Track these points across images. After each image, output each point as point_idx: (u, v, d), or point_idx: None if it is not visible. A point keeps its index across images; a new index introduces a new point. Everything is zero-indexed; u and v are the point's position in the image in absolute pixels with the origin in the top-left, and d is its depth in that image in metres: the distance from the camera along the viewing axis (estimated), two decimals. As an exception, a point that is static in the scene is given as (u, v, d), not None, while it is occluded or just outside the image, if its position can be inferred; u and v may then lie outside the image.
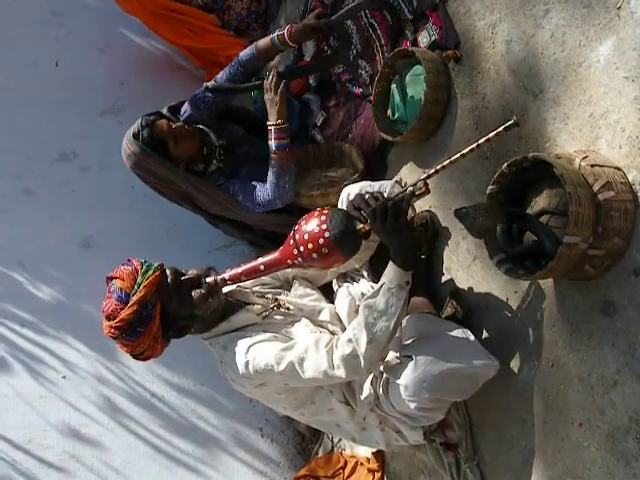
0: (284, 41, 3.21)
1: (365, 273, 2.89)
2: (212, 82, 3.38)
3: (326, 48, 3.70)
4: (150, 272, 2.35)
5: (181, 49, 5.06)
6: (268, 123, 3.22)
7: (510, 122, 2.09)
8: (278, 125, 3.20)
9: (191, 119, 3.41)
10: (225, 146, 3.42)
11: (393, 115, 3.05)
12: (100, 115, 4.94)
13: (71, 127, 4.79)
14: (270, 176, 3.25)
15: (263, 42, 3.29)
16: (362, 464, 3.53)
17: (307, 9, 3.88)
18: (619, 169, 2.05)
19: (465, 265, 2.78)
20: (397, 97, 2.99)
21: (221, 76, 3.40)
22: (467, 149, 2.19)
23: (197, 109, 3.41)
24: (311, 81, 3.75)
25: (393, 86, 3.02)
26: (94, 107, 4.95)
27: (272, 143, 3.21)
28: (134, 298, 2.30)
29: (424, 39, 2.96)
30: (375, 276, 2.81)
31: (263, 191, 3.29)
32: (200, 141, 3.35)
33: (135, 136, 3.22)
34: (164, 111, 3.41)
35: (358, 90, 3.42)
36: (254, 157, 3.50)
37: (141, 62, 5.26)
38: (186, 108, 3.45)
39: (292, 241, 2.33)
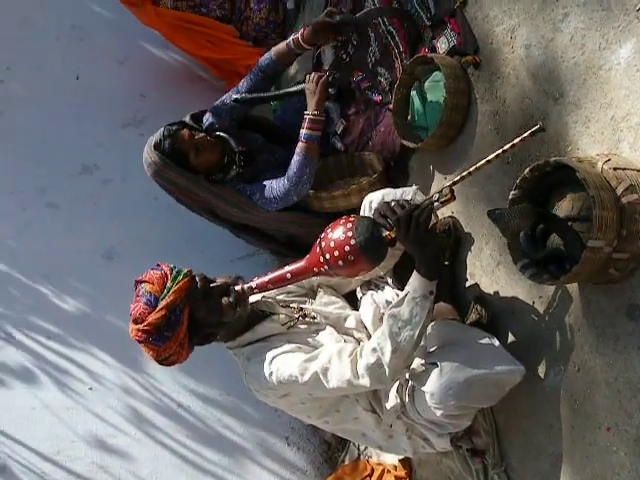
0: (299, 44, 3.26)
1: (389, 280, 2.88)
2: (242, 95, 3.44)
3: (345, 56, 3.70)
4: (180, 277, 2.37)
5: (200, 60, 5.08)
6: (305, 112, 3.25)
7: (536, 127, 2.09)
8: (314, 115, 3.23)
9: (212, 127, 3.44)
10: (245, 152, 3.43)
11: (413, 121, 3.05)
12: (121, 127, 4.97)
13: (93, 140, 4.83)
14: (292, 165, 3.27)
15: (280, 46, 3.35)
16: (389, 472, 3.52)
17: (325, 18, 3.90)
18: (642, 171, 2.04)
19: (489, 270, 2.78)
20: (417, 103, 2.99)
21: (242, 84, 3.43)
22: (492, 155, 2.19)
23: (219, 117, 3.45)
24: (330, 89, 3.75)
25: (413, 92, 3.02)
26: (115, 119, 4.99)
27: (303, 131, 3.25)
28: (163, 302, 2.32)
29: (443, 45, 2.96)
30: (399, 283, 2.81)
31: (280, 184, 3.31)
32: (221, 151, 3.37)
33: (156, 146, 3.25)
34: (187, 119, 3.43)
35: (377, 98, 3.42)
36: (274, 165, 3.51)
37: (161, 74, 5.29)
38: (208, 116, 3.47)
39: (318, 249, 2.34)
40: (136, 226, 4.54)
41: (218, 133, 3.42)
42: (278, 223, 3.57)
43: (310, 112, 3.24)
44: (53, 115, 4.88)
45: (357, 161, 3.55)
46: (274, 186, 3.32)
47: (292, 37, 3.29)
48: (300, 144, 3.25)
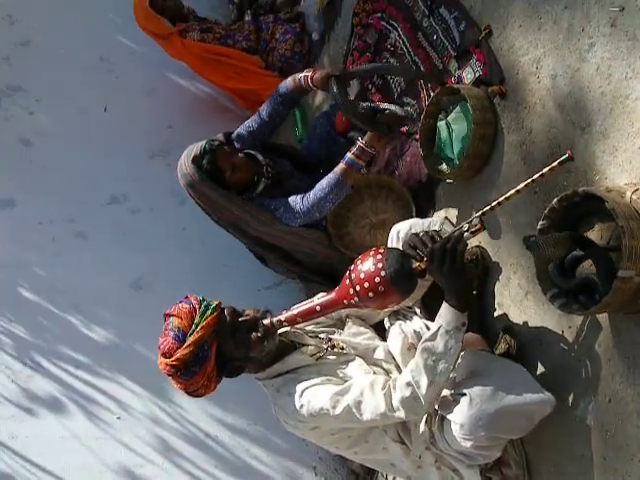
0: (307, 84, 3.25)
1: (417, 311, 2.88)
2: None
3: (370, 86, 3.73)
4: (208, 312, 2.37)
5: (226, 91, 5.15)
6: (360, 139, 3.19)
7: (564, 156, 2.09)
8: (367, 147, 3.16)
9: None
10: (272, 166, 3.45)
11: (439, 152, 3.05)
12: (149, 158, 5.04)
13: (121, 170, 4.89)
14: (324, 180, 3.25)
15: (292, 79, 3.34)
16: (418, 502, 3.49)
17: (350, 49, 3.94)
18: (671, 201, 2.04)
19: (517, 300, 2.77)
20: (443, 134, 2.99)
21: (263, 108, 3.46)
22: (522, 185, 2.18)
23: (242, 140, 3.47)
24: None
25: (439, 123, 3.02)
26: (143, 150, 5.06)
27: (349, 155, 3.20)
28: (191, 339, 2.32)
29: (468, 75, 2.98)
30: (428, 313, 2.80)
31: (305, 198, 3.29)
32: (253, 171, 3.39)
33: (195, 159, 3.26)
34: (221, 137, 3.45)
35: (403, 128, 3.44)
36: (302, 191, 3.53)
37: (187, 105, 5.37)
38: (234, 139, 3.51)
39: (348, 281, 2.34)
40: (164, 256, 4.57)
41: (248, 151, 3.44)
42: (300, 240, 3.56)
43: (365, 142, 3.17)
44: (81, 146, 4.96)
45: (385, 183, 3.56)
46: (298, 200, 3.31)
47: (303, 74, 3.27)
48: (341, 165, 3.22)
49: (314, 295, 2.52)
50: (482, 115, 2.80)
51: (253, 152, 3.45)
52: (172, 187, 4.74)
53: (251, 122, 3.52)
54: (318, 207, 3.27)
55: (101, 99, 5.26)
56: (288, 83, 3.35)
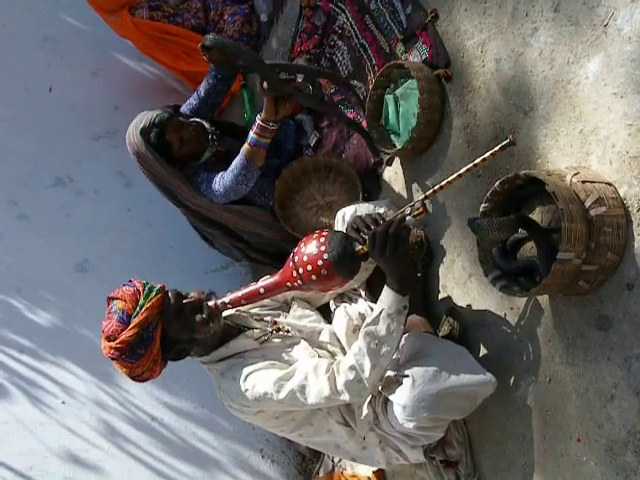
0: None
1: (362, 293, 2.89)
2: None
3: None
4: (152, 294, 2.35)
5: (175, 72, 5.09)
6: (257, 117, 3.14)
7: (506, 141, 2.09)
8: (266, 123, 3.12)
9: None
10: (218, 134, 3.42)
11: (386, 125, 3.06)
12: (94, 139, 4.97)
13: (65, 152, 4.82)
14: (233, 165, 3.24)
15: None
16: (363, 483, 3.53)
17: (298, 31, 3.91)
18: (610, 184, 2.06)
19: (461, 282, 2.80)
20: (391, 108, 2.99)
21: (201, 86, 3.44)
22: (464, 169, 2.19)
23: (184, 117, 3.44)
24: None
25: (388, 96, 3.02)
26: (88, 131, 4.99)
27: (251, 134, 3.16)
28: (135, 320, 2.31)
29: (415, 59, 2.98)
30: (372, 296, 2.82)
31: (221, 179, 3.28)
32: (202, 145, 3.37)
33: (142, 131, 3.22)
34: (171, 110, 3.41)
35: (352, 114, 3.44)
36: None
37: (135, 86, 5.29)
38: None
39: (291, 263, 2.33)
40: (110, 238, 4.52)
41: (194, 119, 3.41)
42: (243, 219, 3.55)
43: (263, 118, 3.11)
44: (25, 127, 4.86)
45: (335, 164, 3.54)
46: (217, 179, 3.30)
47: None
48: (245, 146, 3.19)
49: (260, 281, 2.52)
50: (430, 100, 2.80)
51: (201, 121, 3.42)
52: (118, 169, 4.74)
53: (191, 100, 3.49)
54: (232, 189, 3.27)
55: (46, 79, 5.15)
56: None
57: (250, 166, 3.21)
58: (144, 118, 3.27)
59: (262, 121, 3.12)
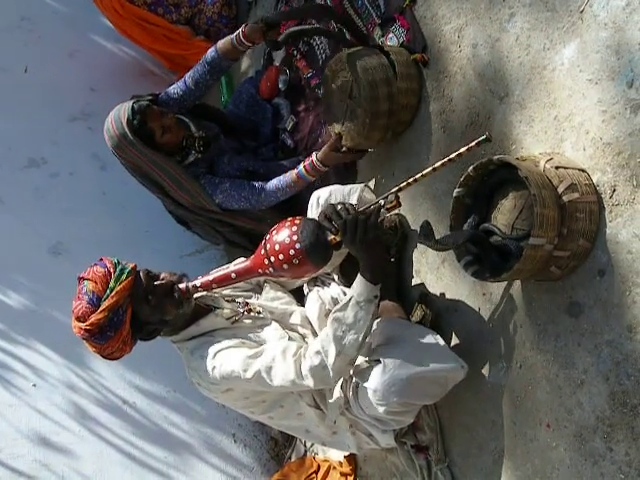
0: (240, 41, 3.17)
1: (336, 277, 2.89)
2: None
3: (296, 53, 3.70)
4: (123, 277, 2.35)
5: (152, 53, 5.04)
6: (315, 154, 3.14)
7: (482, 137, 2.06)
8: (320, 164, 3.13)
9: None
10: (204, 138, 3.40)
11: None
12: (69, 121, 4.92)
13: (40, 133, 4.76)
14: (273, 187, 3.27)
15: (223, 42, 3.24)
16: (335, 468, 3.54)
17: (276, 13, 3.89)
18: (584, 171, 2.06)
19: (434, 268, 2.79)
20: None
21: (189, 75, 3.39)
22: (438, 163, 2.16)
23: (167, 105, 3.39)
24: (280, 85, 3.75)
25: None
26: (63, 113, 4.93)
27: (301, 168, 3.18)
28: (105, 303, 2.30)
29: (392, 42, 2.97)
30: (345, 280, 2.82)
31: (254, 195, 3.31)
32: (183, 134, 3.33)
33: (124, 121, 3.17)
34: (148, 98, 3.36)
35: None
36: (230, 154, 3.50)
37: (111, 67, 5.24)
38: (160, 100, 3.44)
39: (263, 251, 2.31)
40: (84, 221, 4.47)
41: (179, 116, 3.38)
42: (232, 217, 3.57)
43: (319, 159, 3.12)
44: (-1, 107, 4.80)
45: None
46: (244, 194, 3.32)
47: (236, 33, 3.21)
48: (294, 175, 3.21)
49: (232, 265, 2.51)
50: (408, 84, 2.79)
51: (186, 120, 3.39)
52: (93, 151, 4.69)
53: (176, 89, 3.44)
54: (263, 204, 3.33)
55: (22, 59, 5.08)
56: (219, 47, 3.27)
57: (289, 191, 3.26)
58: (122, 108, 3.21)
59: (318, 162, 3.12)
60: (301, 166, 3.19)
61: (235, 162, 3.46)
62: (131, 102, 3.22)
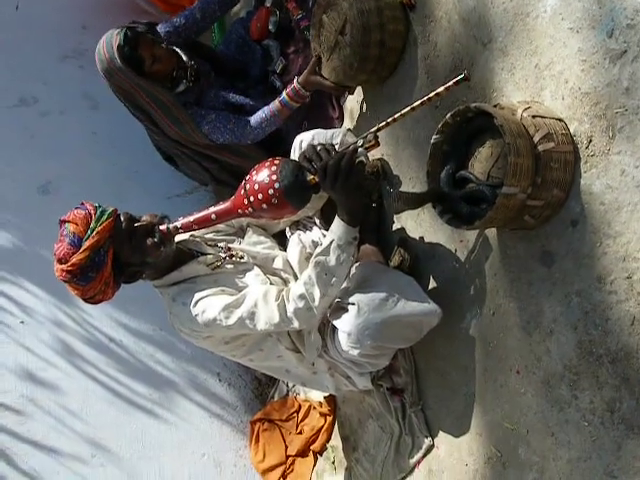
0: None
1: (317, 221, 2.90)
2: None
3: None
4: (104, 218, 2.36)
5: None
6: (296, 79, 3.15)
7: (460, 76, 2.06)
8: (302, 89, 3.13)
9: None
10: (195, 69, 3.39)
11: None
12: (61, 60, 4.86)
13: (31, 72, 4.70)
14: (259, 117, 3.28)
15: None
16: (315, 408, 3.60)
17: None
18: (561, 120, 2.06)
19: (414, 214, 2.80)
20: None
21: (197, 4, 3.38)
22: (417, 102, 2.17)
23: (166, 35, 3.37)
24: (270, 27, 3.71)
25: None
26: (55, 51, 4.87)
27: (284, 95, 3.20)
28: (87, 243, 2.32)
29: (379, -15, 2.93)
30: (327, 224, 2.82)
31: (241, 127, 3.31)
32: (174, 64, 3.31)
33: (119, 47, 3.13)
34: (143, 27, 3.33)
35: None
36: (218, 90, 3.49)
37: (104, 5, 5.14)
38: (160, 30, 3.41)
39: (243, 191, 2.32)
40: (74, 161, 4.45)
41: (172, 47, 3.36)
42: (217, 151, 3.58)
43: (300, 83, 3.13)
44: (-11, 45, 4.75)
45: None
46: (229, 127, 3.31)
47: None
48: (277, 103, 3.22)
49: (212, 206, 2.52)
50: (394, 27, 2.77)
51: (179, 51, 3.37)
52: (84, 90, 4.66)
53: (180, 18, 3.42)
54: (249, 137, 3.33)
55: (13, -3, 5.02)
56: None
57: (274, 121, 3.28)
58: (114, 33, 3.18)
59: (301, 87, 3.13)
60: (284, 93, 3.20)
61: (221, 96, 3.46)
62: (125, 27, 3.19)
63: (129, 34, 3.14)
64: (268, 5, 3.81)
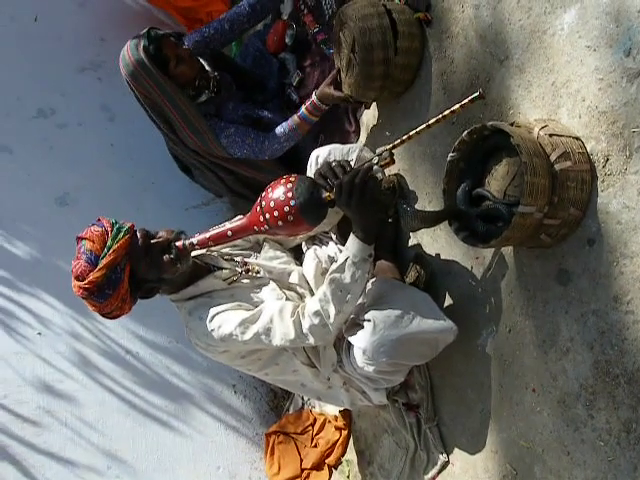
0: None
1: (334, 236, 2.90)
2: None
3: (303, 7, 3.67)
4: (120, 235, 2.36)
5: (164, 6, 5.00)
6: (314, 93, 3.18)
7: (475, 94, 2.07)
8: (320, 103, 3.17)
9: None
10: (219, 80, 3.42)
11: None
12: (79, 71, 4.87)
13: (49, 83, 4.71)
14: (279, 132, 3.31)
15: None
16: (330, 422, 3.60)
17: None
18: (578, 139, 2.05)
19: (430, 230, 2.80)
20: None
21: (226, 16, 3.43)
22: (432, 120, 2.18)
23: (194, 44, 3.40)
24: (287, 40, 3.73)
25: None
26: (73, 63, 4.88)
27: (303, 109, 3.23)
28: (103, 262, 2.32)
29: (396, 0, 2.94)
30: (343, 239, 2.82)
31: (259, 142, 3.33)
32: (198, 70, 3.33)
33: (141, 46, 3.16)
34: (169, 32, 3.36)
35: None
36: (238, 103, 3.51)
37: (121, 18, 5.18)
38: (187, 39, 3.43)
39: (258, 208, 2.33)
40: (91, 172, 4.46)
41: (196, 56, 3.38)
42: (235, 164, 3.58)
43: (317, 97, 3.16)
44: (9, 57, 4.74)
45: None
46: (248, 142, 3.33)
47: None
48: (296, 118, 3.25)
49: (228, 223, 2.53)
50: (409, 44, 2.77)
51: (202, 61, 3.39)
52: (102, 102, 4.68)
53: (209, 28, 3.45)
54: (270, 155, 3.36)
55: (32, 8, 5.01)
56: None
57: (293, 136, 3.31)
58: (138, 37, 3.21)
59: (318, 101, 3.16)
60: (302, 108, 3.22)
61: (240, 109, 3.47)
62: (146, 30, 3.21)
63: (153, 34, 3.18)
64: (285, 18, 3.83)
